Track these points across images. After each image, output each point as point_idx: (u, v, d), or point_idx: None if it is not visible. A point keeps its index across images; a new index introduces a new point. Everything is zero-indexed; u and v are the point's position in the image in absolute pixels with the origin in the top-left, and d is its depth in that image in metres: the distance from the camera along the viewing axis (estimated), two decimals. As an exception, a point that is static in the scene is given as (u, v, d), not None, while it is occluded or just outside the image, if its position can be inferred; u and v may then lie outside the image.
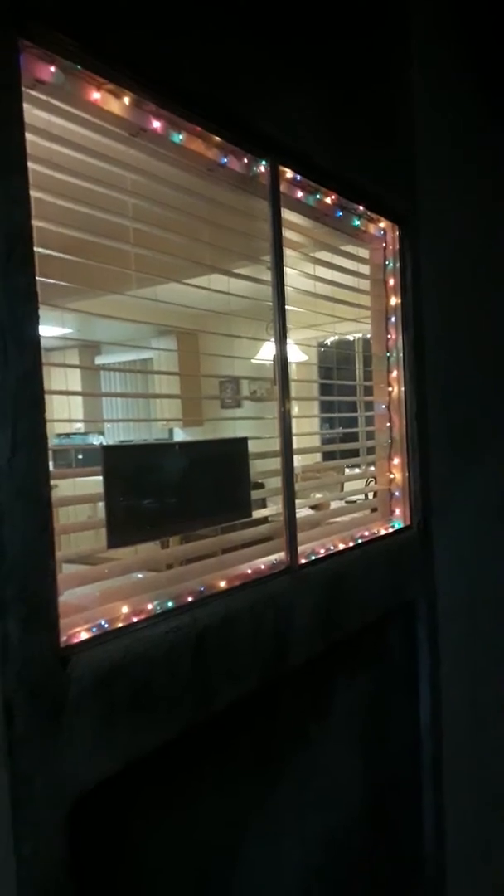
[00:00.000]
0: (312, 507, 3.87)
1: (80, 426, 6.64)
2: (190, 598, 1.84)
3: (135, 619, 1.68)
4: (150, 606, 1.75)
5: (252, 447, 2.08)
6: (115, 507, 1.66)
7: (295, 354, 3.90)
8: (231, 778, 1.95)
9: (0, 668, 1.29)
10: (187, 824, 1.78)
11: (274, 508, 2.34)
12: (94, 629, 1.58)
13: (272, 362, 2.17)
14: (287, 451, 2.17)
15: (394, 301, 2.83)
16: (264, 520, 3.00)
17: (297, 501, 2.27)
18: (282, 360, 2.14)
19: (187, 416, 6.01)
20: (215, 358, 2.32)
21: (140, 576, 1.97)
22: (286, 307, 2.13)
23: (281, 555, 2.19)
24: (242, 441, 2.07)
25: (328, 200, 2.44)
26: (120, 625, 1.64)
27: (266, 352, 3.73)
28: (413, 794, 2.92)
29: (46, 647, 1.37)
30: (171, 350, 5.63)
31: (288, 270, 2.16)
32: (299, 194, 2.30)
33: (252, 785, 2.04)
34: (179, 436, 6.65)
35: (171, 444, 2.47)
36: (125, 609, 1.70)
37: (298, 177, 2.23)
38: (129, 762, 1.53)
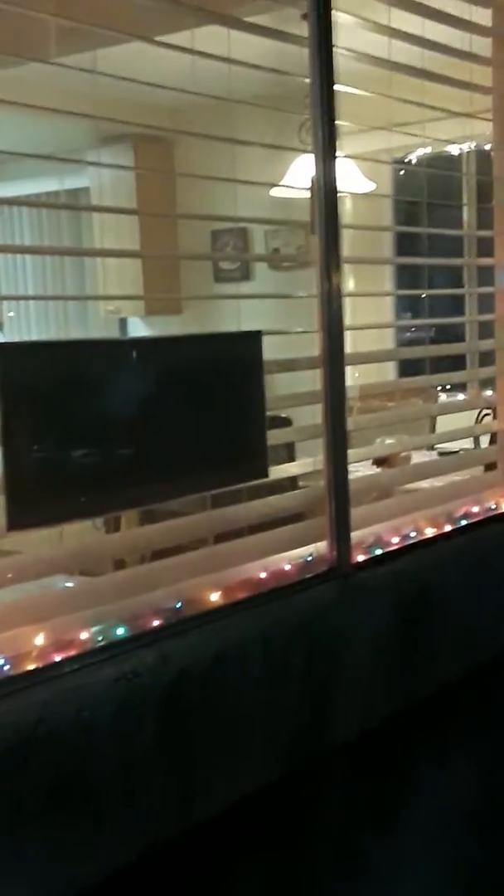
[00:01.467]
0: (377, 463, 3.88)
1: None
2: (156, 622, 1.86)
3: (57, 658, 1.69)
4: (84, 635, 1.77)
5: (270, 351, 2.08)
6: (19, 458, 1.66)
7: (352, 179, 3.80)
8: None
9: None
10: None
11: (308, 463, 2.35)
12: (-14, 674, 1.61)
13: (308, 195, 2.14)
14: (334, 359, 2.17)
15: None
16: (291, 482, 3.02)
17: (352, 452, 2.28)
18: (327, 190, 2.12)
19: (153, 293, 5.96)
20: (203, 186, 2.28)
21: (69, 584, 2.00)
22: (335, 88, 2.10)
23: (320, 546, 2.21)
24: (253, 339, 2.06)
25: None
26: (32, 666, 1.66)
27: (297, 176, 3.69)
28: None
29: None
30: (125, 168, 5.54)
31: (341, 19, 2.13)
32: None
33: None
34: (138, 330, 6.63)
35: (123, 342, 2.44)
36: (40, 639, 1.72)
37: None
38: (51, 903, 1.58)
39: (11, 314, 7.02)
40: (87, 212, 5.99)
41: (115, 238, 5.46)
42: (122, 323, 6.70)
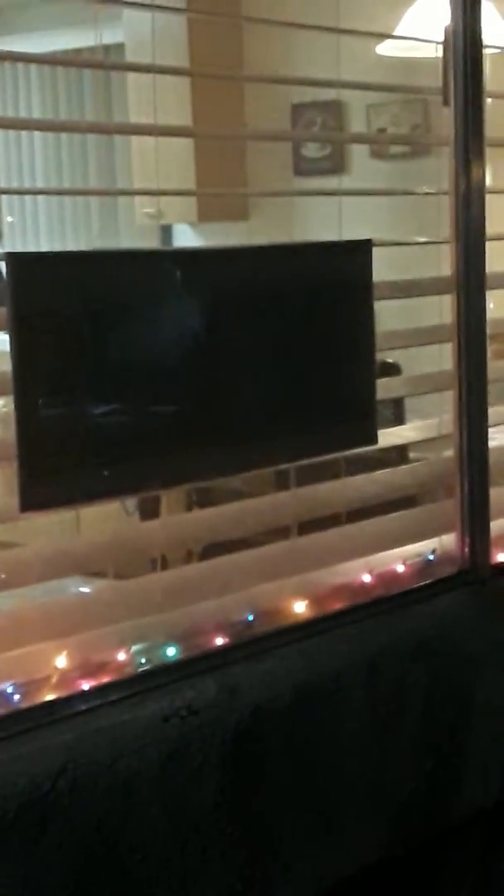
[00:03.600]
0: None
1: None
2: (220, 641, 1.88)
3: (85, 686, 1.72)
4: (121, 657, 1.79)
5: (377, 270, 2.08)
6: (36, 414, 1.69)
7: (495, 29, 3.73)
8: None
9: None
10: None
11: (430, 426, 2.35)
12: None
13: (434, 51, 2.14)
14: (471, 282, 2.17)
15: None
16: (400, 454, 3.02)
17: (491, 410, 2.28)
18: (469, 44, 2.10)
19: (209, 188, 5.93)
20: (283, 40, 2.28)
21: (84, 589, 2.03)
22: None
23: (446, 540, 2.22)
24: (359, 252, 2.06)
25: None
26: (51, 697, 1.68)
27: (415, 23, 3.63)
28: None
29: None
30: (175, 11, 5.51)
31: None
32: None
33: None
34: (187, 240, 6.63)
35: (177, 254, 2.43)
36: (61, 662, 1.74)
37: None
38: None
39: (11, 219, 7.03)
40: (120, 73, 5.94)
41: (158, 113, 5.43)
42: (166, 232, 6.68)
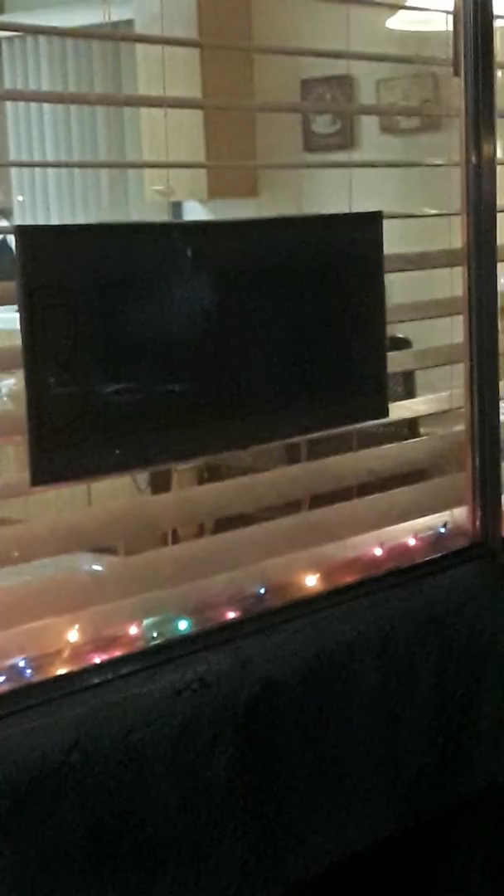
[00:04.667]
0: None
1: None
2: (232, 614, 1.88)
3: (97, 660, 1.72)
4: (132, 631, 1.79)
5: (388, 243, 2.07)
6: (47, 386, 1.68)
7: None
8: None
9: None
10: None
11: (441, 399, 2.35)
12: (2, 679, 1.63)
13: (444, 24, 2.14)
14: (484, 254, 2.17)
15: None
16: (410, 428, 3.01)
17: (502, 384, 2.27)
18: (480, 16, 2.10)
19: (219, 163, 5.92)
20: (291, 11, 2.26)
21: (97, 567, 2.02)
22: None
23: (458, 513, 2.23)
24: (369, 224, 2.05)
25: None
26: (63, 671, 1.68)
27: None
28: None
29: None
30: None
31: None
32: None
33: None
34: (197, 215, 6.62)
35: (189, 227, 2.42)
36: (73, 636, 1.74)
37: None
38: None
39: (21, 198, 7.03)
40: (129, 48, 5.94)
41: (167, 87, 5.42)
42: (176, 209, 6.68)
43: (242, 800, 1.78)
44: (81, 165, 7.24)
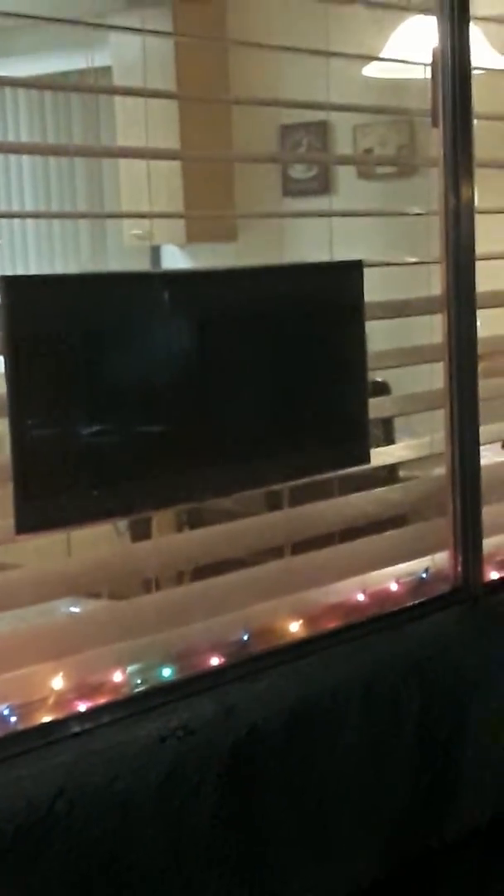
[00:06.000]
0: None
1: None
2: (216, 660, 1.87)
3: (82, 708, 1.72)
4: (116, 678, 1.79)
5: (370, 289, 2.07)
6: (31, 436, 1.69)
7: (483, 51, 3.72)
8: None
9: None
10: None
11: (415, 445, 2.36)
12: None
13: (425, 71, 2.14)
14: (462, 302, 2.18)
15: None
16: (390, 473, 3.02)
17: (482, 429, 2.28)
18: (456, 66, 2.11)
19: (198, 210, 5.93)
20: (269, 62, 2.28)
21: (74, 609, 2.03)
22: None
23: (439, 558, 2.23)
24: (349, 273, 2.06)
25: None
26: (47, 718, 1.68)
27: (402, 45, 3.64)
28: None
29: None
30: (161, 35, 5.53)
31: None
32: None
33: None
34: (176, 261, 6.63)
35: (169, 276, 2.43)
36: (58, 682, 1.74)
37: None
38: None
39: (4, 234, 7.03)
40: (108, 99, 5.97)
41: (146, 136, 5.43)
42: (155, 253, 6.69)
43: (227, 846, 1.77)
44: (61, 216, 7.24)
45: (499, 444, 3.74)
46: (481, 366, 2.26)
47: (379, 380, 3.29)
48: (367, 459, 2.10)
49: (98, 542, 2.17)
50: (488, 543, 2.27)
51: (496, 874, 2.33)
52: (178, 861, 1.71)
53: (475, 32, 2.17)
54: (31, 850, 1.55)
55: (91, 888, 1.61)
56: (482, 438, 2.27)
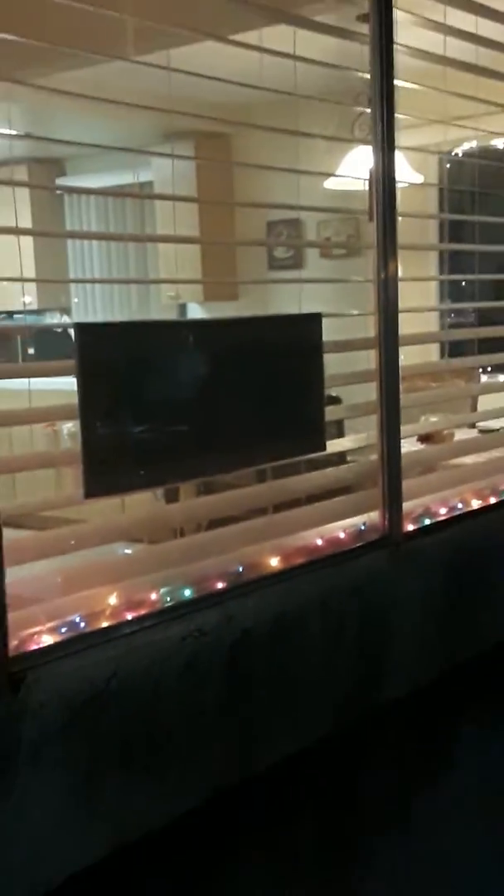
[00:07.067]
0: (421, 439, 3.85)
1: (30, 298, 6.64)
2: (220, 584, 1.86)
3: (129, 616, 1.69)
4: (153, 596, 1.77)
5: (327, 332, 2.05)
6: (96, 429, 1.66)
7: (404, 171, 3.73)
8: (284, 872, 2.00)
9: None
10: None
11: (358, 438, 2.33)
12: (64, 629, 1.61)
13: (365, 185, 2.12)
14: (389, 341, 2.15)
15: None
16: (340, 458, 2.99)
17: (402, 428, 2.25)
18: (385, 182, 2.09)
19: (211, 278, 5.95)
20: (261, 177, 2.26)
21: (128, 551, 2.01)
22: (396, 83, 2.07)
23: (373, 516, 2.20)
24: (312, 321, 2.04)
25: None
26: (106, 624, 1.66)
27: (350, 166, 3.64)
28: None
29: (-14, 656, 1.41)
30: (187, 158, 5.54)
31: (399, 17, 2.09)
32: None
33: (316, 885, 2.10)
34: (196, 314, 6.63)
35: (190, 324, 2.43)
36: (113, 599, 1.72)
37: None
38: (125, 844, 1.58)
39: (76, 300, 7.01)
40: (150, 202, 5.98)
41: (176, 227, 5.44)
42: (182, 308, 6.69)
43: (226, 712, 1.77)
44: (117, 282, 7.25)
45: (414, 438, 3.74)
46: (402, 385, 2.24)
47: (333, 394, 3.26)
48: (323, 448, 2.08)
49: (142, 503, 2.15)
50: (406, 506, 2.25)
51: (411, 729, 2.32)
52: (193, 723, 1.71)
53: (399, 157, 2.14)
54: (93, 716, 1.54)
55: (132, 742, 1.61)
56: (402, 434, 2.24)
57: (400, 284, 2.17)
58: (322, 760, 2.03)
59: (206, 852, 1.82)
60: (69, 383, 1.64)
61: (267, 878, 1.97)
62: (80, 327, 1.67)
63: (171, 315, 6.47)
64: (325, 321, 2.05)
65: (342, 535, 2.14)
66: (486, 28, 2.51)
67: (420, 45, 2.26)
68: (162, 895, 1.75)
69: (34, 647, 1.54)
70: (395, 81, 2.09)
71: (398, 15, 2.09)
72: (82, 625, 1.64)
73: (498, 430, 3.65)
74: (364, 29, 2.06)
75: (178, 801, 1.68)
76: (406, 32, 2.18)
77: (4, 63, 1.53)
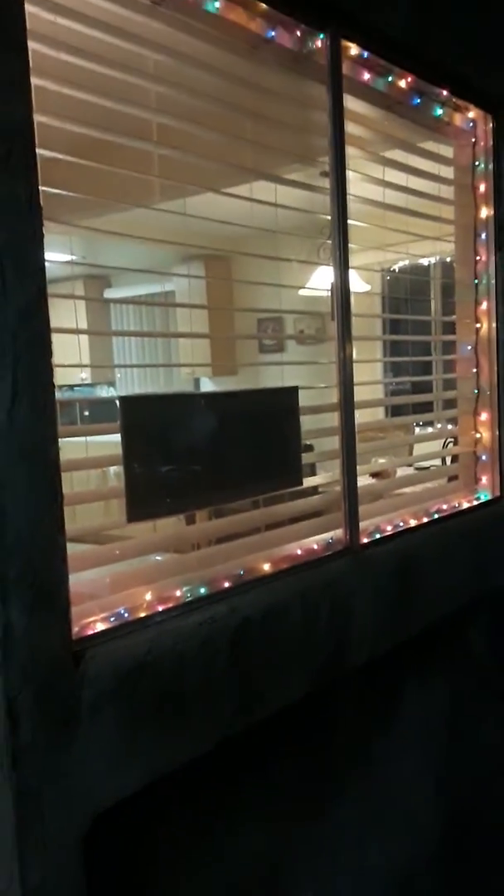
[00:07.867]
0: (373, 475, 3.86)
1: (85, 375, 6.68)
2: (227, 584, 1.85)
3: (160, 608, 1.69)
4: (178, 593, 1.77)
5: (302, 399, 2.07)
6: (135, 472, 1.67)
7: (355, 283, 3.79)
8: (276, 800, 1.98)
9: (1, 666, 1.30)
10: (222, 854, 1.83)
11: (326, 476, 2.33)
12: (113, 619, 1.61)
13: (328, 293, 2.14)
14: (347, 405, 2.16)
15: (485, 213, 2.76)
16: (313, 490, 3.00)
17: (358, 468, 2.25)
18: (342, 291, 2.10)
19: (218, 361, 6.00)
20: (253, 289, 2.30)
21: (159, 558, 2.00)
22: (349, 222, 2.08)
23: (338, 532, 2.19)
24: (291, 392, 2.05)
25: (403, 84, 2.35)
26: (143, 614, 1.66)
27: (317, 280, 3.69)
28: (501, 821, 2.95)
29: (56, 639, 1.38)
30: (199, 277, 5.60)
31: (350, 175, 2.11)
32: (366, 76, 2.22)
33: (301, 810, 2.07)
34: (207, 386, 6.66)
35: (202, 395, 2.46)
36: (148, 596, 1.72)
37: (366, 53, 2.15)
38: (155, 778, 1.57)
39: (119, 376, 7.07)
40: (173, 308, 6.05)
41: (192, 325, 5.50)
42: (196, 382, 6.75)
43: (231, 678, 1.75)
44: (149, 366, 7.29)
45: (367, 475, 3.76)
46: (357, 437, 2.25)
47: (308, 443, 3.28)
48: (301, 483, 2.09)
49: (169, 525, 2.15)
50: (362, 524, 2.25)
51: (370, 687, 2.31)
52: (207, 688, 1.70)
53: (352, 274, 2.18)
54: (132, 683, 1.53)
55: (162, 702, 1.60)
56: (358, 472, 2.25)
57: (354, 365, 2.19)
58: (303, 713, 2.02)
59: (216, 785, 1.80)
60: (115, 438, 1.66)
61: (262, 803, 1.95)
62: (123, 399, 1.69)
63: (188, 387, 6.53)
64: (301, 392, 2.07)
65: (316, 547, 2.14)
66: (415, 182, 2.56)
67: (366, 194, 2.30)
68: (182, 816, 1.74)
69: (90, 632, 1.54)
70: (349, 220, 2.11)
71: (350, 174, 2.13)
72: (126, 615, 1.65)
73: (429, 468, 3.68)
74: (326, 183, 2.09)
75: (195, 745, 1.67)
76: (356, 186, 2.22)
77: (70, 210, 1.56)
